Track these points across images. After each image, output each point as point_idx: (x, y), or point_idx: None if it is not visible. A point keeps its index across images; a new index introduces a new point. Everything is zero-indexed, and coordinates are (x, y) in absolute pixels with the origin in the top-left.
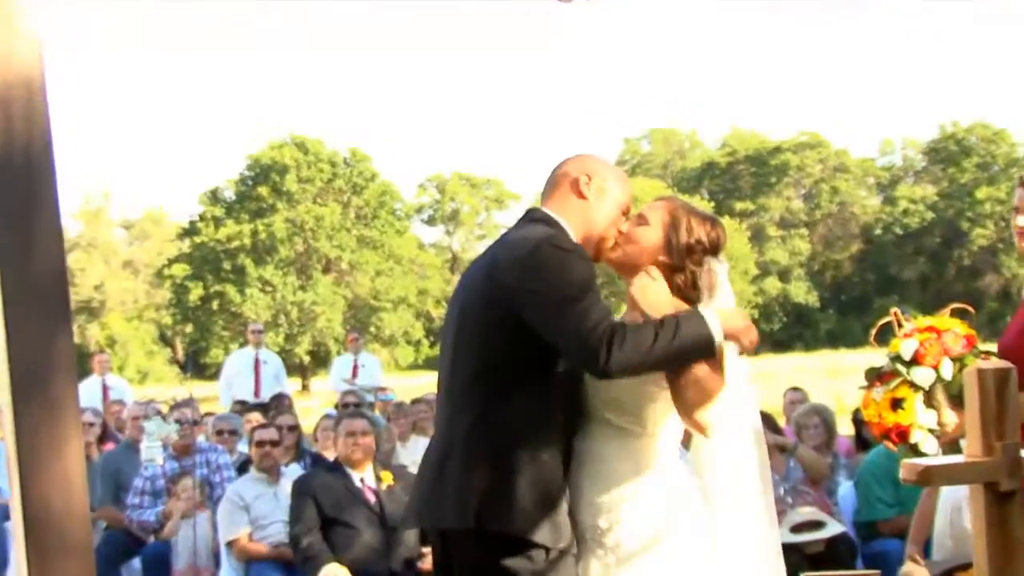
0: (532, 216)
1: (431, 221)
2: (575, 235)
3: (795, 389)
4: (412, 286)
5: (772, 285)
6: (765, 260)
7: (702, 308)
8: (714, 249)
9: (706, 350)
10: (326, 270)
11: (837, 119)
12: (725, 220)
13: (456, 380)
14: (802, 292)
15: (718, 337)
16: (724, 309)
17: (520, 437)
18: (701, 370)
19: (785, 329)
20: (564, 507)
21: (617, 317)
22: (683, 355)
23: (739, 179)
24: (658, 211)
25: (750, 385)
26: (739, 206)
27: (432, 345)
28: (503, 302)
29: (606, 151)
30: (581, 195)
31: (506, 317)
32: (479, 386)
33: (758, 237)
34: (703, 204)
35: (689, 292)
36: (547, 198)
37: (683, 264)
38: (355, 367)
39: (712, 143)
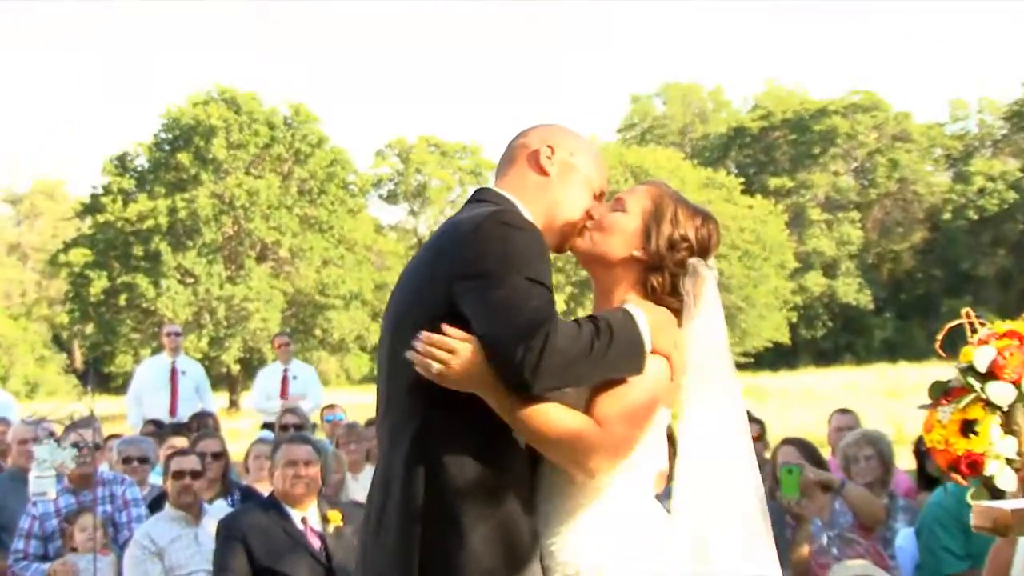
0: (479, 197)
1: (392, 198)
2: (535, 220)
3: (843, 412)
4: (368, 279)
5: (815, 282)
6: (807, 251)
7: (631, 307)
8: (702, 249)
9: (635, 365)
10: (261, 258)
11: (897, 75)
12: (757, 200)
13: (393, 398)
14: (852, 291)
15: (649, 348)
16: (649, 307)
17: (471, 470)
18: (613, 402)
19: (831, 337)
20: (535, 563)
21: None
22: (611, 369)
23: (774, 149)
24: (640, 196)
25: (733, 379)
26: (774, 183)
27: None
28: (440, 296)
29: (608, 113)
30: (542, 170)
31: (445, 315)
32: (418, 405)
33: (798, 222)
34: (730, 180)
35: (665, 299)
36: (501, 175)
37: (661, 262)
38: (284, 380)
39: (741, 103)
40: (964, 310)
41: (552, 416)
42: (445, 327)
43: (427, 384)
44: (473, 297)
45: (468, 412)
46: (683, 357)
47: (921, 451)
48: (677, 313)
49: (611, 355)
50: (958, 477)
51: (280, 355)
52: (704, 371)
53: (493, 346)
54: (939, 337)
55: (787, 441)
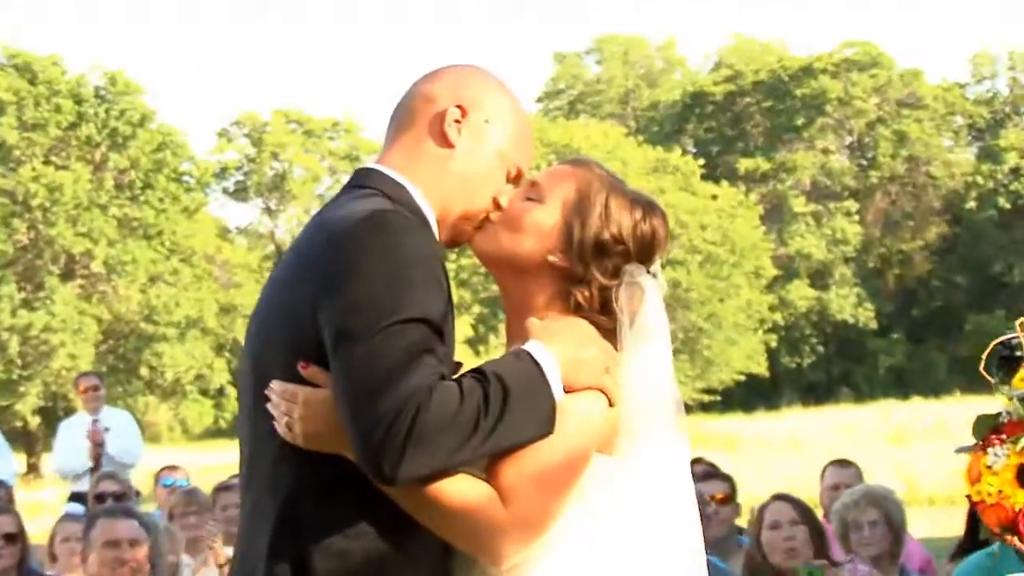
0: (358, 182)
1: (240, 192)
2: (431, 205)
3: (840, 464)
4: (210, 299)
5: (801, 294)
6: (789, 253)
7: (534, 347)
8: (643, 251)
9: (543, 427)
10: (67, 274)
11: (903, 22)
12: (723, 188)
13: (257, 461)
14: (849, 306)
15: (559, 399)
16: (561, 340)
17: (357, 564)
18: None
19: (822, 366)
20: None
21: (440, 369)
22: (507, 442)
23: (745, 120)
24: (560, 180)
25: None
26: (745, 165)
27: None
28: (305, 323)
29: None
30: (445, 139)
31: (312, 349)
32: (286, 473)
33: (776, 215)
34: (686, 161)
35: (594, 318)
36: (390, 141)
37: (586, 271)
38: (94, 434)
39: (700, 61)
40: (1019, 321)
41: (442, 487)
42: (301, 367)
43: (294, 455)
44: (330, 340)
45: (351, 482)
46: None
47: (973, 511)
48: (609, 335)
49: (503, 428)
50: (1015, 540)
51: (86, 402)
52: (639, 417)
53: (345, 424)
54: (983, 356)
55: (778, 497)
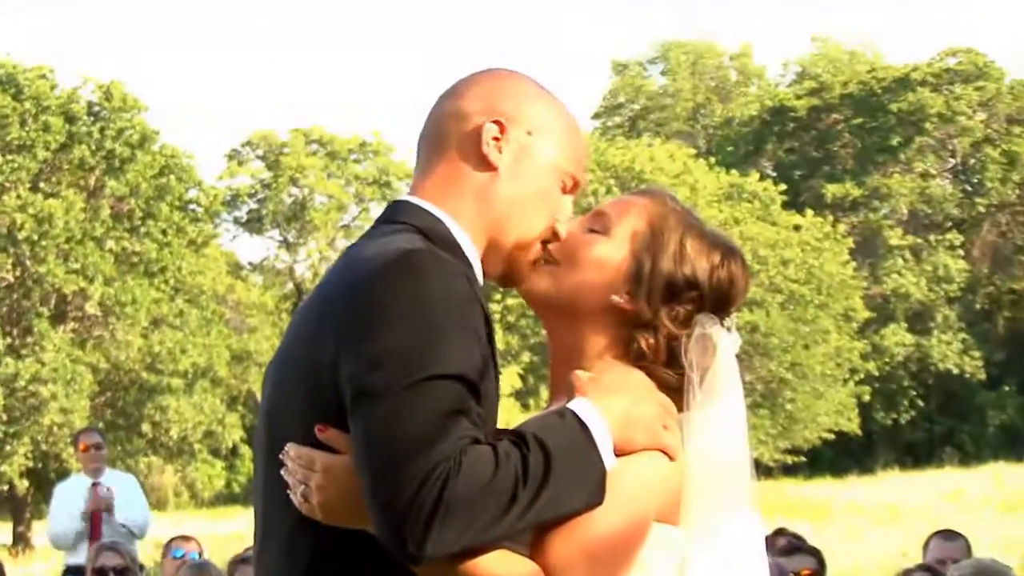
0: (390, 216)
1: (255, 223)
2: (473, 239)
3: (946, 535)
4: (221, 346)
5: (897, 339)
6: (883, 292)
7: (580, 406)
8: (718, 300)
9: (590, 497)
10: (58, 317)
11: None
12: (808, 218)
13: (272, 530)
14: (954, 354)
15: (609, 465)
16: (612, 396)
17: None
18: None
19: (923, 424)
20: None
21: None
22: (550, 514)
23: (832, 140)
24: (630, 213)
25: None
26: (832, 191)
27: None
28: (326, 374)
29: (580, 89)
30: (485, 161)
31: (333, 407)
32: (302, 547)
33: (869, 250)
34: (765, 187)
35: (656, 371)
36: (422, 172)
37: (654, 316)
38: (100, 501)
39: (780, 71)
40: None
41: (478, 566)
42: (319, 430)
43: (309, 523)
44: (349, 398)
45: (373, 561)
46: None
47: None
48: (675, 394)
49: (545, 499)
50: None
51: (86, 462)
52: (708, 486)
53: (365, 495)
54: None
55: (924, 569)
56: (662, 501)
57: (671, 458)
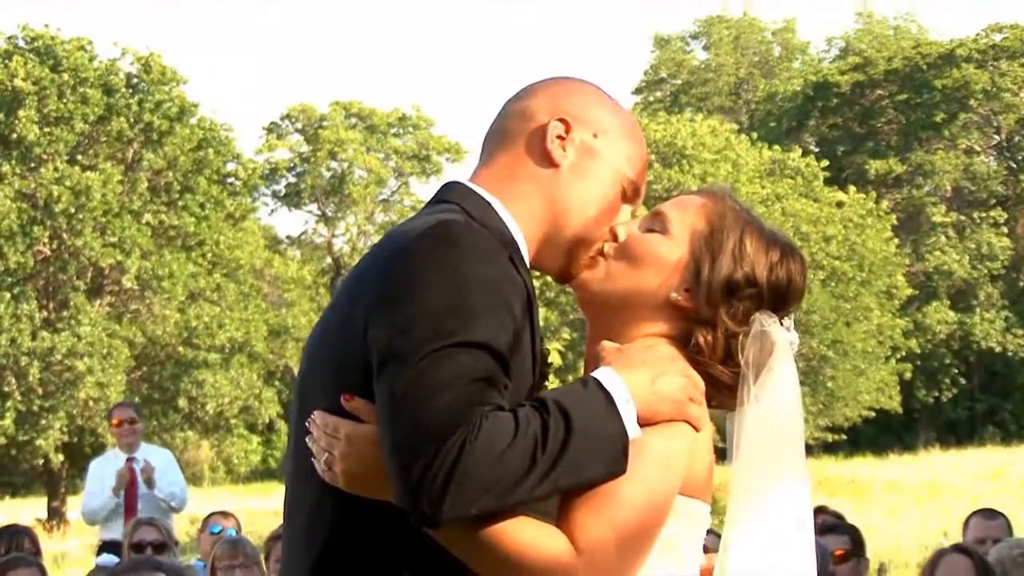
0: (440, 196)
1: (293, 197)
2: (527, 234)
3: (987, 514)
4: (258, 320)
5: (940, 316)
6: (926, 269)
7: (605, 374)
8: (776, 298)
9: (611, 465)
10: (95, 291)
11: None
12: (851, 194)
13: (298, 503)
14: (996, 331)
15: (633, 435)
16: (637, 367)
17: None
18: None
19: (966, 401)
20: None
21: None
22: (570, 481)
23: (875, 116)
24: (690, 212)
25: (801, 493)
26: (875, 167)
27: None
28: (356, 348)
29: (621, 64)
30: (548, 157)
31: (360, 378)
32: (323, 518)
33: (912, 226)
34: (808, 163)
35: (713, 368)
36: (485, 159)
37: (713, 313)
38: (131, 475)
39: (824, 47)
40: None
41: (502, 532)
42: (345, 399)
43: (333, 497)
44: (376, 362)
45: (395, 530)
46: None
47: None
48: (728, 391)
49: (564, 465)
50: None
51: (121, 437)
52: (761, 475)
53: (385, 458)
54: None
55: (957, 549)
56: (686, 473)
57: (696, 429)
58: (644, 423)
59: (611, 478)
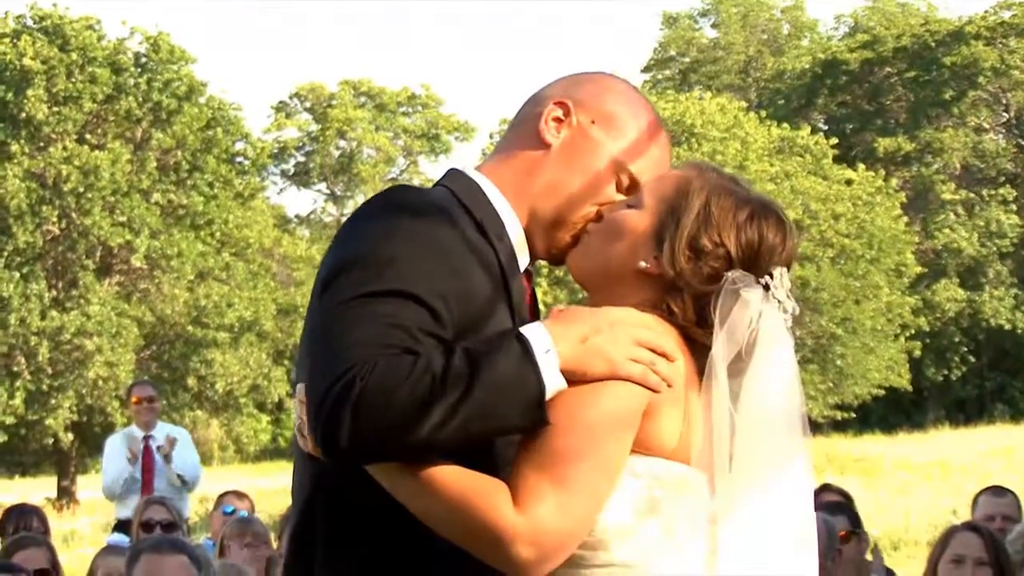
0: (439, 180)
1: (302, 176)
2: (516, 211)
3: (996, 491)
4: (267, 299)
5: (949, 294)
6: (935, 247)
7: (530, 328)
8: (747, 258)
9: (527, 413)
10: (104, 270)
11: None
12: (860, 172)
13: (296, 478)
14: (1005, 309)
15: (552, 385)
16: (571, 324)
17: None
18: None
19: (975, 379)
20: None
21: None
22: (480, 424)
23: (884, 93)
24: (663, 183)
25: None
26: (884, 145)
27: None
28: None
29: (630, 42)
30: (540, 138)
31: None
32: (306, 483)
33: (921, 204)
34: (817, 141)
35: (690, 330)
36: (498, 143)
37: (678, 276)
38: (146, 453)
39: (833, 24)
40: None
41: (431, 475)
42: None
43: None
44: (307, 318)
45: (360, 493)
46: (676, 373)
47: None
48: (707, 352)
49: (470, 407)
50: None
51: (139, 415)
52: (755, 444)
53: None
54: None
55: (969, 527)
56: (668, 435)
57: (654, 391)
58: (575, 378)
59: (531, 427)
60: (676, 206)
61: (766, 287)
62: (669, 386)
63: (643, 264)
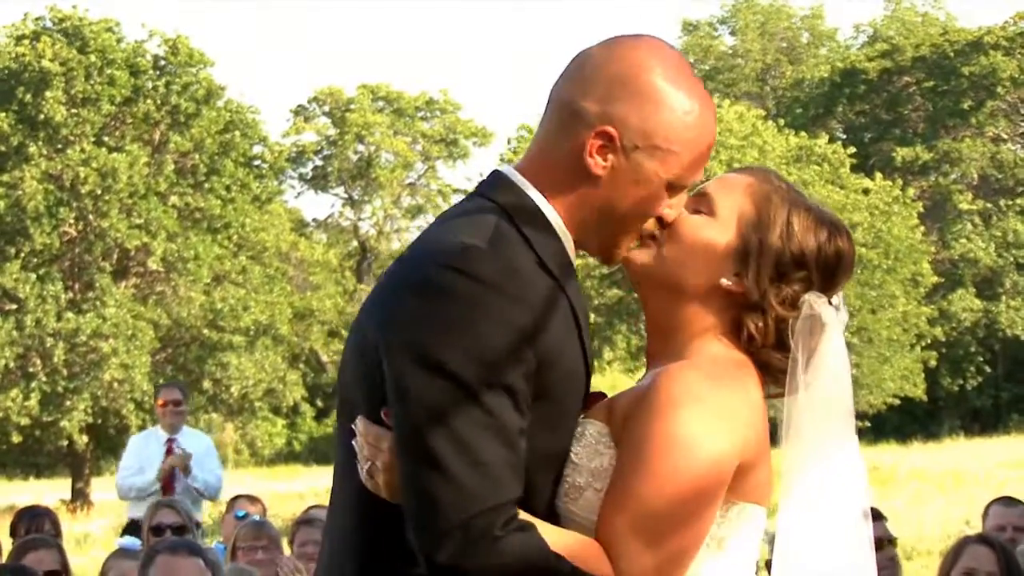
0: (483, 188)
1: (320, 180)
2: (567, 221)
3: (1008, 502)
4: (283, 303)
5: (965, 304)
6: (952, 257)
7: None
8: (826, 277)
9: None
10: (121, 273)
11: None
12: (877, 181)
13: (339, 502)
14: (1022, 319)
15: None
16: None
17: None
18: None
19: (990, 389)
20: None
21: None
22: None
23: (903, 103)
24: (735, 192)
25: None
26: (902, 154)
27: (320, 417)
28: (373, 366)
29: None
30: (584, 167)
31: (384, 395)
32: (361, 520)
33: (938, 214)
34: (835, 150)
35: (765, 354)
36: (535, 146)
37: (762, 297)
38: (173, 459)
39: (852, 33)
40: None
41: (536, 544)
42: (384, 414)
43: (369, 501)
44: (391, 392)
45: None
46: (757, 433)
47: None
48: (782, 376)
49: None
50: None
51: (165, 417)
52: (810, 462)
53: (403, 489)
54: None
55: (981, 540)
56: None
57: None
58: None
59: None
60: (757, 222)
61: (835, 307)
62: None
63: (725, 282)
